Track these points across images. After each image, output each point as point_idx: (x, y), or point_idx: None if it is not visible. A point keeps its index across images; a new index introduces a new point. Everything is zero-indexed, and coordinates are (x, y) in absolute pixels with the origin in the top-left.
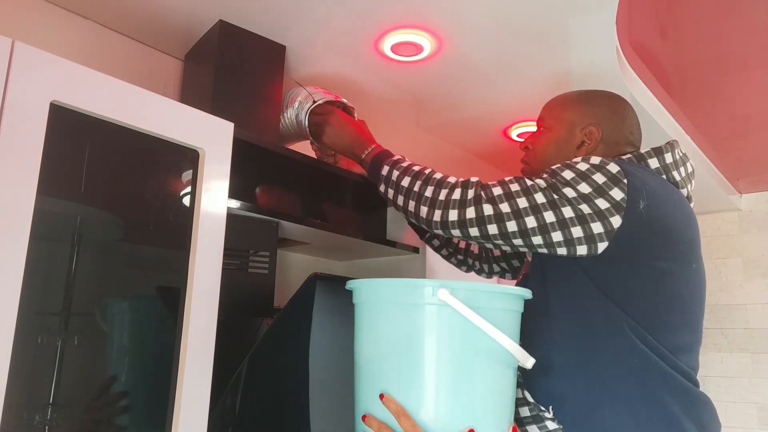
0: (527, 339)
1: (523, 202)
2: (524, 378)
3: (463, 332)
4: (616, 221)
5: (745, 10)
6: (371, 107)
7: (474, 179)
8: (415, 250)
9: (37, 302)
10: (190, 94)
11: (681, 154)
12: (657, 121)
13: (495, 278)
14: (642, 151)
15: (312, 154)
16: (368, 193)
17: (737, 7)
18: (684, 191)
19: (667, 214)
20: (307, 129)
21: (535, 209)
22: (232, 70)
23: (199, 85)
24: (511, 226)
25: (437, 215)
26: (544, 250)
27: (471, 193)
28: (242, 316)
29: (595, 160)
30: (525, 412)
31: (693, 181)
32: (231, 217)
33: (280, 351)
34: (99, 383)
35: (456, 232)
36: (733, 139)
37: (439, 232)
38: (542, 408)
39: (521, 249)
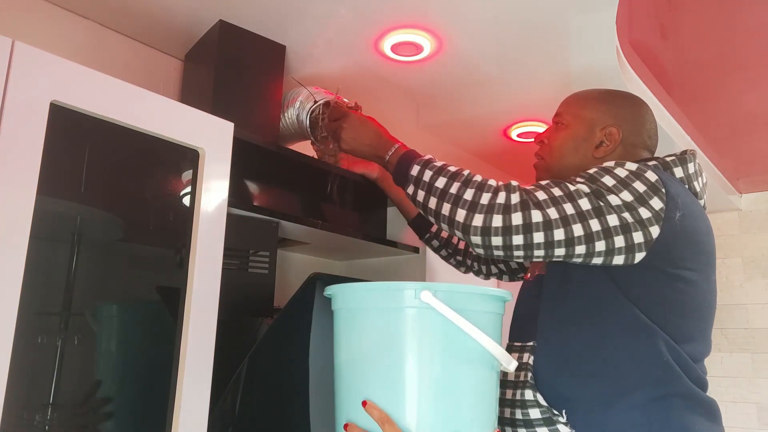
0: (543, 342)
1: (569, 208)
2: (536, 380)
3: (445, 335)
4: (655, 231)
5: (746, 10)
6: (371, 107)
7: (514, 183)
8: (415, 250)
9: (37, 302)
10: (190, 94)
11: (698, 165)
12: (657, 120)
13: (492, 280)
14: (667, 159)
15: (312, 154)
16: (368, 193)
17: (738, 7)
18: (702, 202)
19: (695, 225)
20: (308, 129)
21: (582, 216)
22: (232, 70)
23: (199, 85)
24: (558, 234)
25: (478, 220)
26: (579, 260)
27: (516, 197)
28: (242, 316)
29: (632, 166)
30: (536, 413)
31: (707, 193)
32: (231, 217)
33: (280, 351)
34: (97, 383)
35: (497, 240)
36: (733, 139)
37: (476, 239)
38: (555, 412)
39: (554, 260)
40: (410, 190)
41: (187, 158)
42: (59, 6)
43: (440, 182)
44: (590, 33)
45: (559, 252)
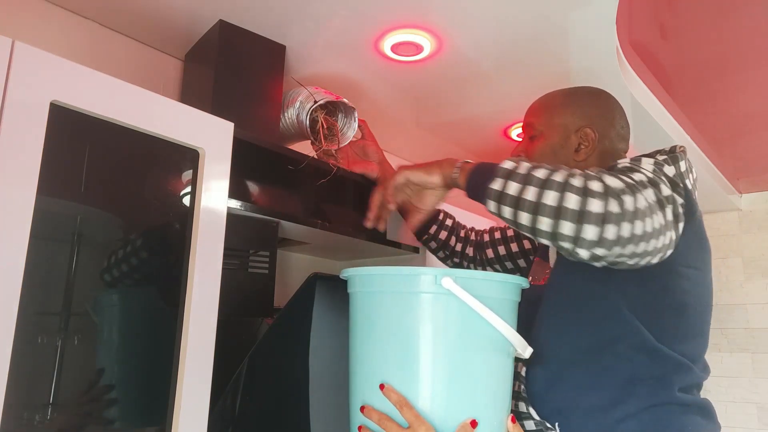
0: (537, 354)
1: (651, 196)
2: (529, 393)
3: (463, 321)
4: (681, 227)
5: (745, 10)
6: (371, 107)
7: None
8: (415, 250)
9: (37, 302)
10: (190, 94)
11: (689, 161)
12: (657, 120)
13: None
14: (659, 158)
15: (312, 153)
16: (368, 193)
17: (737, 7)
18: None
19: (702, 222)
20: (308, 129)
21: (653, 208)
22: (232, 70)
23: (199, 85)
24: (639, 227)
25: (613, 205)
26: (627, 261)
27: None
28: (242, 316)
29: (650, 160)
30: (530, 425)
31: (698, 191)
32: (231, 217)
33: (280, 351)
34: (96, 383)
35: (612, 230)
36: (733, 139)
37: (610, 230)
38: (548, 425)
39: (611, 259)
40: (512, 189)
41: (187, 158)
42: (59, 6)
43: (542, 173)
44: (590, 33)
45: (629, 249)
